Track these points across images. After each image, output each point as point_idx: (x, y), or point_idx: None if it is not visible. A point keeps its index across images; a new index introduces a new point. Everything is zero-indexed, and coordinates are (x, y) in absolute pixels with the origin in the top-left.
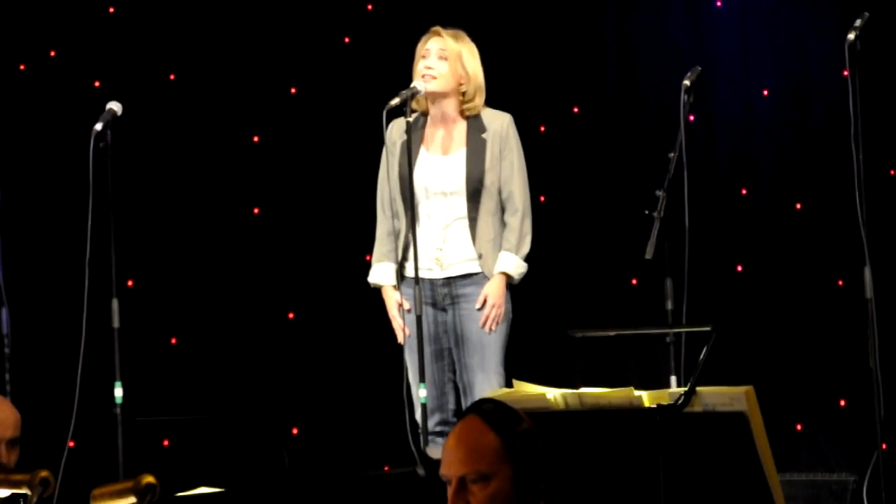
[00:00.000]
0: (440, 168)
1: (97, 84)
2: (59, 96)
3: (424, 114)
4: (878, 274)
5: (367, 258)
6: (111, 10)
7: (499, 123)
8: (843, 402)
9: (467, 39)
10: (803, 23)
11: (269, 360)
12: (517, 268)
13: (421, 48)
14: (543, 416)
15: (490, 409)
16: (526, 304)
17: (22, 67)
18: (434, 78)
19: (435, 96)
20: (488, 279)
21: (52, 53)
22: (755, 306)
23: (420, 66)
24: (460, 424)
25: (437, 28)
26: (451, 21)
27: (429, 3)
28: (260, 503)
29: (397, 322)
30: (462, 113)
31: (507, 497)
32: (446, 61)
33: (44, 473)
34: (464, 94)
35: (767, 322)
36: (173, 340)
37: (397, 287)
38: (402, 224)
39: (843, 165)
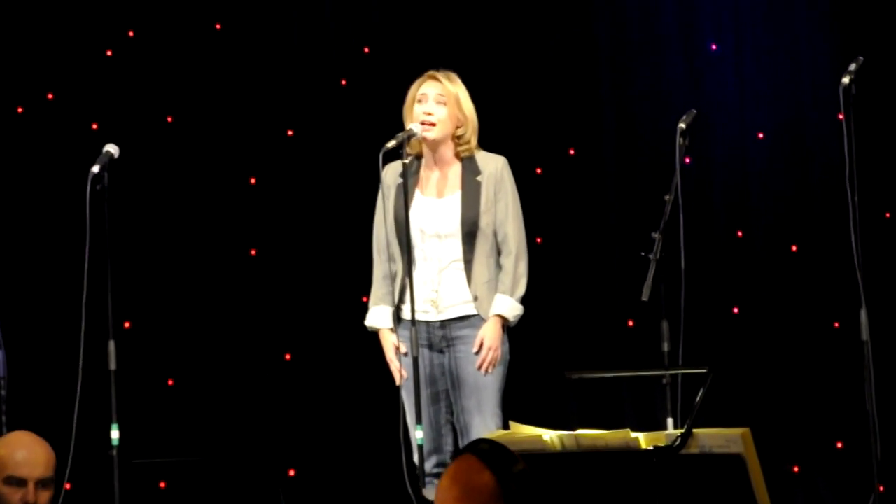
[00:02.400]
0: (435, 210)
1: (94, 126)
2: (57, 139)
3: (419, 156)
4: (874, 316)
5: (364, 300)
6: (109, 52)
7: (493, 166)
8: (839, 445)
9: (460, 81)
10: (798, 66)
11: (265, 401)
12: (512, 310)
13: (415, 92)
14: (540, 457)
15: (486, 449)
16: (523, 346)
17: (20, 110)
18: (434, 125)
19: (433, 142)
20: (484, 321)
21: (50, 96)
22: (751, 348)
23: (418, 112)
24: (455, 463)
25: (432, 72)
26: (448, 63)
27: (425, 45)
28: None
29: (395, 365)
30: (457, 154)
31: None
32: (445, 106)
33: None
34: (460, 136)
35: (764, 364)
36: (170, 382)
37: (394, 330)
38: (399, 266)
39: (839, 208)
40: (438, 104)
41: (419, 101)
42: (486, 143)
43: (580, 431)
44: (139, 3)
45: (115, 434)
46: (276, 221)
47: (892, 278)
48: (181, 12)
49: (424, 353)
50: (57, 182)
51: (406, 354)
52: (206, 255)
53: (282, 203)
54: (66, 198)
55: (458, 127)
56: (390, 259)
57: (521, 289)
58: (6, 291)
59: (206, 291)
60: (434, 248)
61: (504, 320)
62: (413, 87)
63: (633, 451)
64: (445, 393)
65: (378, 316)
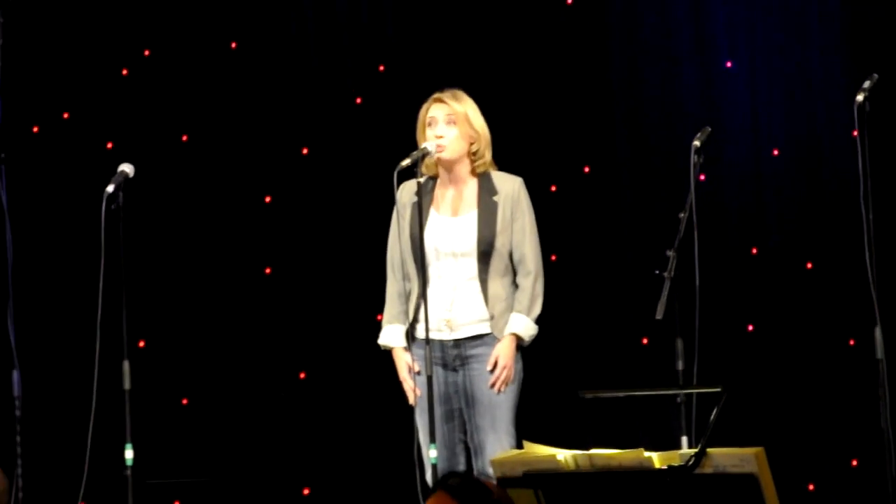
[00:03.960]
0: (451, 229)
1: (110, 145)
2: (72, 158)
3: (434, 177)
4: (889, 334)
5: (379, 318)
6: (124, 72)
7: (510, 186)
8: (854, 463)
9: (467, 97)
10: (812, 84)
11: (280, 420)
12: (528, 329)
13: (424, 116)
14: (554, 477)
15: (456, 484)
16: (537, 365)
17: (35, 129)
18: (446, 147)
19: (448, 162)
20: (498, 340)
21: (66, 115)
22: (766, 366)
23: (429, 136)
24: (429, 501)
25: (437, 95)
26: (461, 82)
27: (440, 63)
28: None
29: (408, 384)
30: (473, 171)
31: None
32: (455, 125)
33: None
34: (475, 152)
35: (778, 382)
36: (184, 401)
37: (408, 348)
38: (413, 285)
39: (854, 225)
40: (449, 125)
41: (429, 125)
42: (500, 161)
43: (594, 451)
44: (154, 23)
45: (129, 454)
46: (290, 240)
47: None
48: (196, 31)
49: (438, 372)
50: (72, 201)
51: (419, 373)
52: (220, 274)
53: (297, 221)
54: (81, 217)
55: (471, 143)
56: (405, 277)
57: (538, 309)
58: (21, 310)
59: (220, 310)
60: (449, 267)
61: (519, 339)
62: (422, 112)
63: (647, 471)
64: (459, 411)
65: (391, 335)
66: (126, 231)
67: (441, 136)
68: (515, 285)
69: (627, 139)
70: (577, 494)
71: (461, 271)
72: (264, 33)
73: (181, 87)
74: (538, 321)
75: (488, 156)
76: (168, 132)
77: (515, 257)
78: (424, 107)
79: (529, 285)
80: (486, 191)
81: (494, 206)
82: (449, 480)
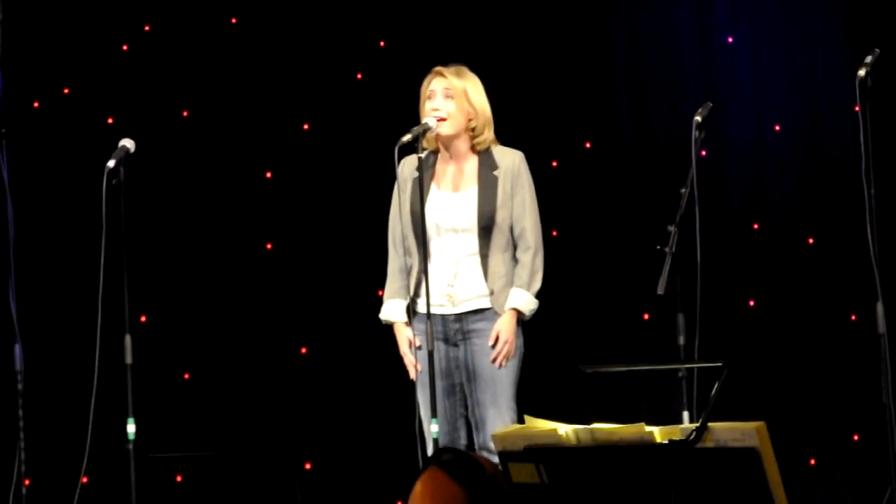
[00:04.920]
0: (451, 205)
1: (110, 121)
2: (73, 133)
3: (434, 152)
4: (891, 309)
5: (380, 293)
6: (125, 47)
7: (510, 160)
8: (856, 437)
9: (470, 74)
10: (814, 58)
11: (281, 395)
12: (528, 304)
13: (425, 90)
14: (555, 451)
15: (450, 460)
16: (538, 340)
17: (36, 104)
18: (444, 119)
19: (446, 137)
20: (499, 315)
21: (66, 90)
22: (767, 341)
23: (427, 108)
24: (422, 478)
25: (439, 68)
26: (463, 58)
27: (441, 39)
28: None
29: (409, 359)
30: (473, 148)
31: None
32: (453, 100)
33: None
34: (473, 129)
35: (780, 357)
36: (186, 376)
37: (409, 323)
38: (415, 260)
39: (855, 200)
40: (446, 99)
41: (428, 97)
42: (502, 137)
43: (595, 425)
44: None
45: (131, 428)
46: (291, 216)
47: None
48: (197, 6)
49: (440, 347)
50: (73, 177)
51: (420, 348)
52: (221, 250)
53: (297, 197)
54: (82, 192)
55: (469, 120)
56: (406, 253)
57: (538, 283)
58: (23, 285)
59: (221, 285)
60: (450, 242)
61: (519, 314)
62: (423, 85)
63: (648, 446)
64: (460, 386)
65: (392, 309)
66: (127, 206)
67: (437, 109)
68: (516, 260)
69: (628, 115)
70: (579, 468)
71: (462, 247)
72: (264, 8)
73: (182, 62)
74: (539, 295)
75: (488, 134)
76: (169, 107)
77: (515, 231)
78: (426, 79)
79: (529, 260)
80: (487, 166)
81: (494, 180)
82: (442, 456)
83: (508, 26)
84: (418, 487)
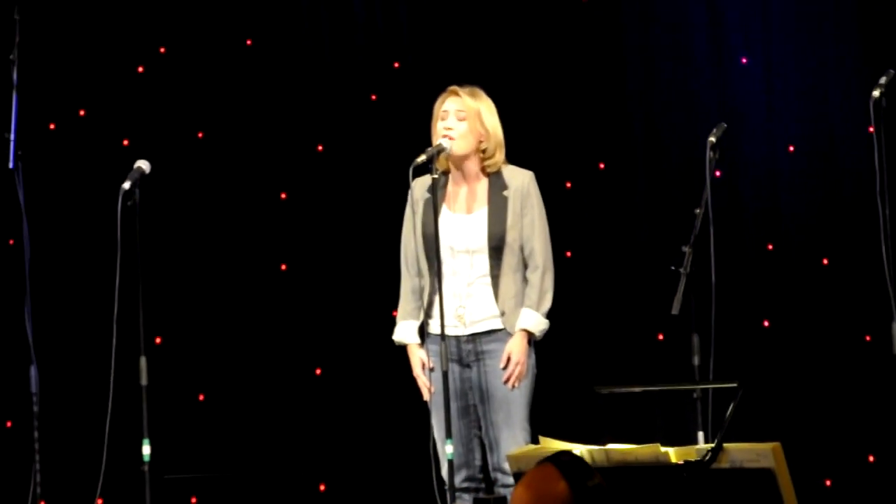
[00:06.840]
0: (464, 227)
1: (126, 142)
2: (88, 155)
3: (446, 172)
4: None
5: (394, 314)
6: (140, 69)
7: (520, 181)
8: (871, 458)
9: (484, 96)
10: (828, 79)
11: (296, 416)
12: (538, 324)
13: (438, 109)
14: None
15: (565, 461)
16: (553, 360)
17: (52, 126)
18: (454, 139)
19: (457, 157)
20: (511, 335)
21: (82, 112)
22: (782, 362)
23: (439, 128)
24: (532, 471)
25: (454, 88)
26: (476, 79)
27: (455, 60)
28: None
29: (422, 380)
30: (483, 170)
31: None
32: (465, 121)
33: None
34: (484, 151)
35: (795, 378)
36: (201, 397)
37: (422, 345)
38: (427, 281)
39: (870, 220)
40: (459, 120)
41: (441, 117)
42: (515, 157)
43: (610, 446)
44: (170, 20)
45: (146, 449)
46: (306, 236)
47: None
48: (212, 28)
49: (453, 368)
50: (89, 198)
51: (433, 370)
52: (236, 271)
53: (312, 218)
54: (97, 214)
55: (480, 142)
56: (419, 273)
57: (547, 303)
58: (39, 307)
59: (236, 306)
60: (463, 264)
61: (530, 334)
62: (437, 104)
63: (664, 466)
64: (474, 407)
65: (405, 331)
66: (142, 228)
67: (450, 129)
68: (527, 281)
69: (642, 135)
70: None
71: (475, 268)
72: (279, 30)
73: (197, 84)
74: (553, 315)
75: (499, 156)
76: (184, 129)
77: (525, 251)
78: (440, 98)
79: (538, 280)
80: (497, 187)
81: (504, 201)
82: (561, 456)
83: (522, 47)
84: (526, 477)
